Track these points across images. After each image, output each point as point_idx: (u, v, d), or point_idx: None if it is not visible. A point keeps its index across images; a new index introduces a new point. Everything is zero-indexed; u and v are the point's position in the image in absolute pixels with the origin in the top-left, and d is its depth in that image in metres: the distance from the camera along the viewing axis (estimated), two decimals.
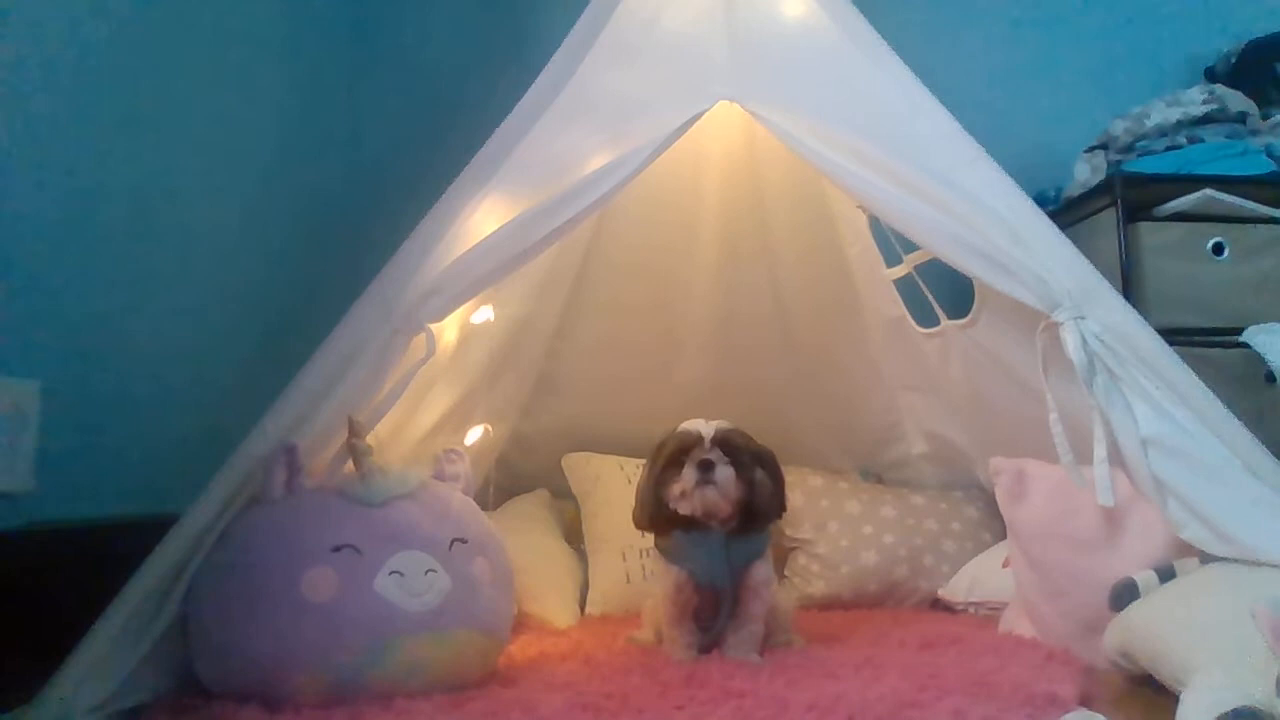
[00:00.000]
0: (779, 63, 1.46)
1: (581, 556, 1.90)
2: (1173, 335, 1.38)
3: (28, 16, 1.20)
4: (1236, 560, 1.16)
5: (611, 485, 1.93)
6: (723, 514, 1.32)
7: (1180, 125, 1.92)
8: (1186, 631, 1.06)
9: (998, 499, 1.52)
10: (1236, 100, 1.93)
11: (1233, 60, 2.21)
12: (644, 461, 1.42)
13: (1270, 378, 1.71)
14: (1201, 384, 1.24)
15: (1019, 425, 1.54)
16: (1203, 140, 1.91)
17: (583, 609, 1.78)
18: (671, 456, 1.33)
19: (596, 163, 1.37)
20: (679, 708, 1.06)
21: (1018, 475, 1.47)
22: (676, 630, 1.36)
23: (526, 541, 1.73)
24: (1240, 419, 1.23)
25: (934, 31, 2.40)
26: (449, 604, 1.12)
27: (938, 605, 1.84)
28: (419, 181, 1.46)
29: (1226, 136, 1.91)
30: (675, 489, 1.31)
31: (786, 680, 1.16)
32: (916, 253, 1.80)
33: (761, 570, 1.38)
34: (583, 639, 1.52)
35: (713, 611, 1.39)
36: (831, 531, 1.91)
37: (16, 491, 1.15)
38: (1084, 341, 1.25)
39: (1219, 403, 1.23)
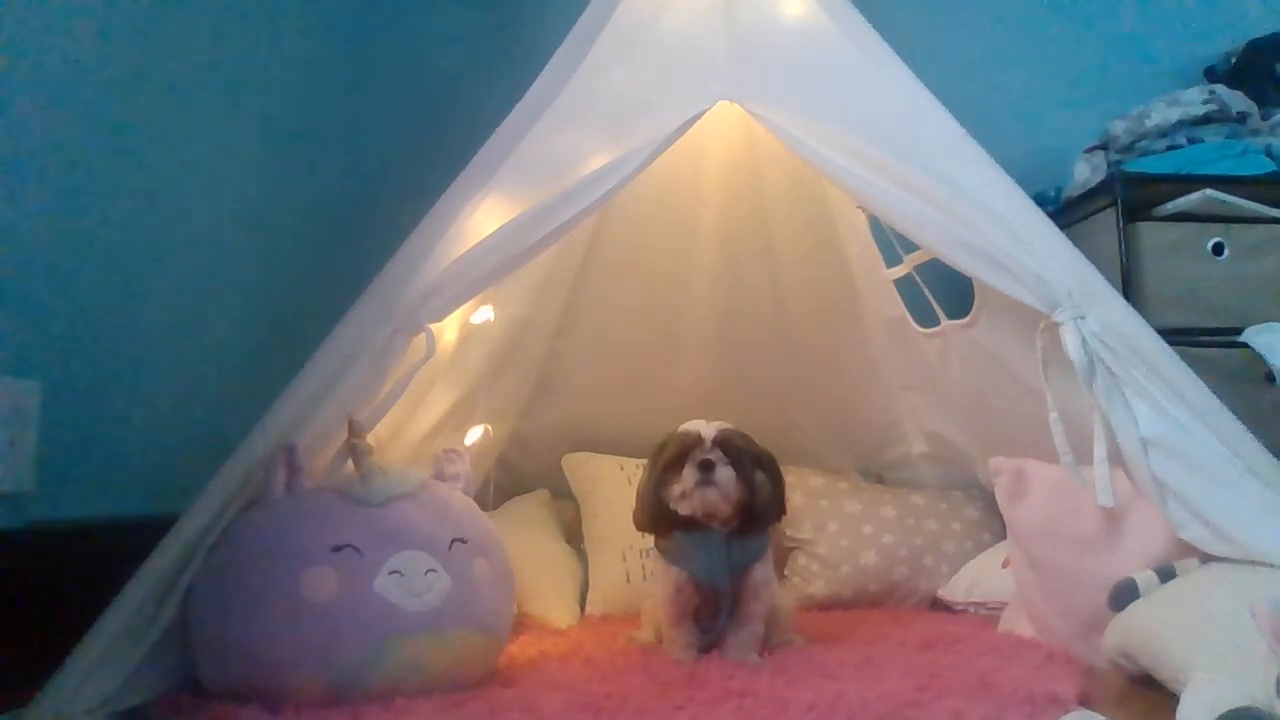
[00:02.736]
0: (779, 63, 1.46)
1: (581, 556, 1.90)
2: (1173, 335, 1.38)
3: (25, 18, 1.20)
4: (1236, 560, 1.16)
5: (611, 485, 1.93)
6: (723, 515, 1.32)
7: (1180, 125, 1.92)
8: (1186, 631, 1.06)
9: (998, 499, 1.52)
10: (1237, 100, 1.93)
11: (1233, 60, 2.21)
12: (644, 462, 1.42)
13: (1270, 378, 1.71)
14: (1201, 384, 1.24)
15: (1019, 425, 1.54)
16: (1203, 140, 1.91)
17: (583, 609, 1.78)
18: (672, 457, 1.33)
19: (596, 163, 1.37)
20: (679, 708, 1.06)
21: (1018, 475, 1.47)
22: (676, 631, 1.36)
23: (526, 541, 1.73)
24: (1240, 419, 1.23)
25: (934, 31, 2.40)
26: (449, 604, 1.12)
27: (938, 605, 1.83)
28: (419, 181, 1.46)
29: (1226, 136, 1.91)
30: (676, 489, 1.31)
31: (786, 680, 1.16)
32: (916, 253, 1.80)
33: (761, 571, 1.38)
34: (583, 639, 1.52)
35: (713, 612, 1.39)
36: (831, 531, 1.91)
37: (16, 491, 1.15)
38: (1084, 341, 1.25)
39: (1219, 403, 1.23)
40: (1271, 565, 1.11)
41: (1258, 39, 2.18)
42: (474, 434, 1.83)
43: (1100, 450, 1.27)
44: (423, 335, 1.30)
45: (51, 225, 1.25)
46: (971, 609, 1.73)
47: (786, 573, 1.91)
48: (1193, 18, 2.48)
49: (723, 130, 1.83)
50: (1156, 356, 1.26)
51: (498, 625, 1.24)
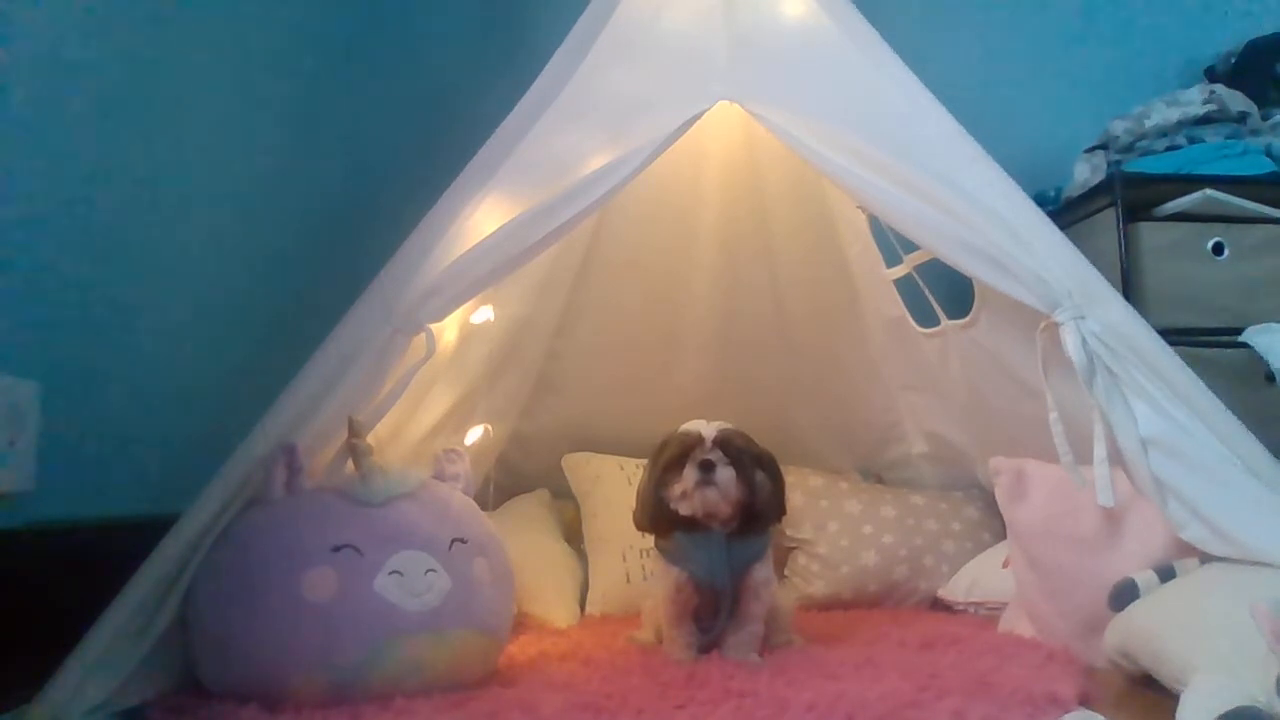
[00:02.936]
0: (779, 63, 1.46)
1: (581, 556, 1.90)
2: (1173, 335, 1.38)
3: (28, 22, 1.20)
4: (1236, 560, 1.16)
5: (611, 485, 1.93)
6: (723, 515, 1.32)
7: (1180, 125, 1.92)
8: (1186, 631, 1.06)
9: (998, 499, 1.52)
10: (1236, 100, 1.93)
11: (1233, 60, 2.21)
12: (644, 462, 1.42)
13: (1270, 378, 1.71)
14: (1201, 384, 1.24)
15: (1019, 425, 1.54)
16: (1203, 140, 1.91)
17: (583, 609, 1.78)
18: (672, 457, 1.33)
19: (596, 163, 1.37)
20: (679, 708, 1.06)
21: (1018, 475, 1.47)
22: (676, 631, 1.36)
23: (526, 541, 1.73)
24: (1240, 419, 1.23)
25: (933, 31, 2.40)
26: (449, 604, 1.12)
27: (938, 605, 1.84)
28: (419, 182, 1.46)
29: (1226, 136, 1.91)
30: (676, 489, 1.31)
31: (786, 680, 1.16)
32: (916, 253, 1.80)
33: (761, 571, 1.38)
34: (583, 639, 1.52)
35: (713, 612, 1.39)
36: (831, 531, 1.91)
37: (16, 491, 1.15)
38: (1084, 341, 1.25)
39: (1219, 403, 1.23)
40: (1271, 565, 1.11)
41: (1258, 39, 2.18)
42: (474, 434, 1.83)
43: (1100, 450, 1.27)
44: (423, 335, 1.30)
45: (51, 226, 1.25)
46: (971, 609, 1.73)
47: (786, 573, 1.91)
48: (1193, 18, 2.48)
49: (723, 130, 1.83)
50: (1156, 356, 1.26)
51: (498, 625, 1.24)
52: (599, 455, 2.01)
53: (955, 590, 1.79)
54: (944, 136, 1.40)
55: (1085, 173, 2.01)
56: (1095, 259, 1.36)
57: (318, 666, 1.05)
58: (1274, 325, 1.71)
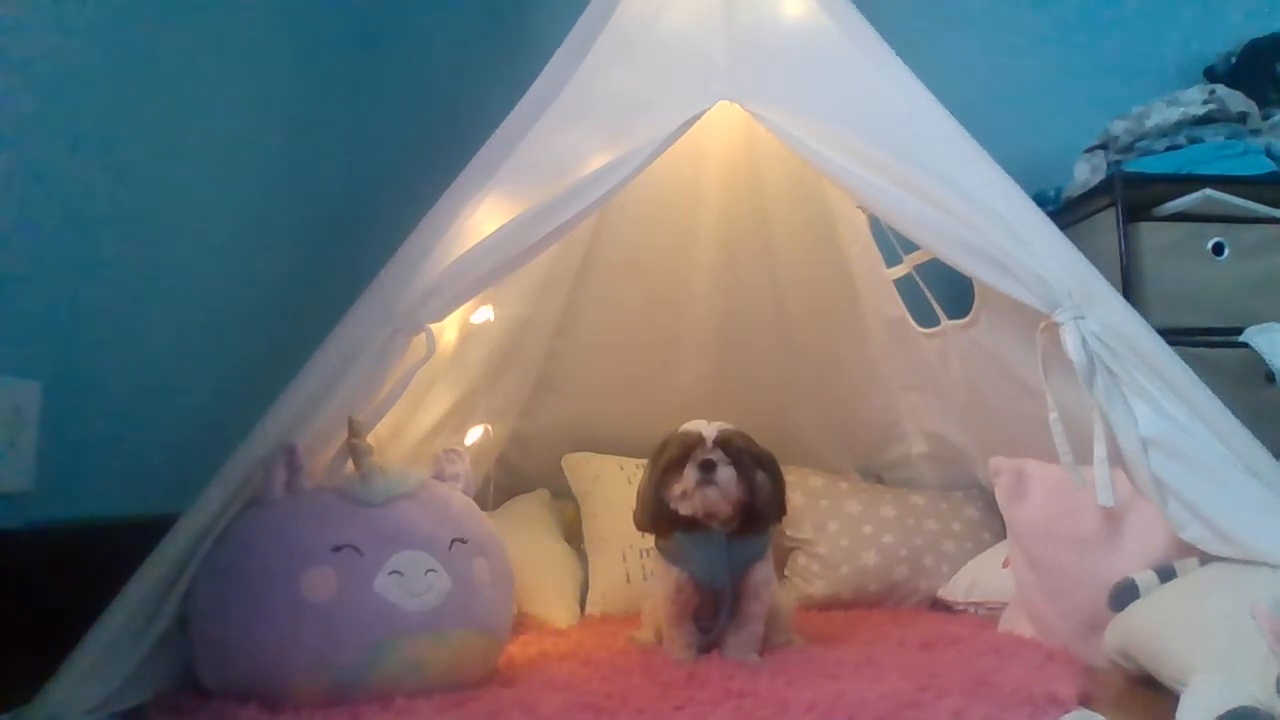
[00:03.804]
0: (779, 63, 1.46)
1: (581, 556, 1.90)
2: (1173, 335, 1.38)
3: (30, 20, 1.20)
4: (1236, 560, 1.16)
5: (611, 485, 1.93)
6: (723, 514, 1.32)
7: (1180, 125, 1.92)
8: (1186, 631, 1.06)
9: (998, 499, 1.52)
10: (1236, 100, 1.93)
11: (1233, 60, 2.21)
12: (644, 462, 1.42)
13: (1270, 378, 1.71)
14: (1201, 384, 1.24)
15: (1019, 425, 1.54)
16: (1203, 140, 1.91)
17: (583, 609, 1.78)
18: (673, 457, 1.33)
19: (596, 163, 1.37)
20: (679, 708, 1.06)
21: (1018, 475, 1.47)
22: (677, 631, 1.36)
23: (526, 541, 1.73)
24: (1240, 419, 1.23)
25: (934, 31, 2.40)
26: (449, 604, 1.12)
27: (938, 605, 1.84)
28: (419, 181, 1.46)
29: (1226, 136, 1.91)
30: (676, 489, 1.31)
31: (786, 680, 1.16)
32: (916, 253, 1.80)
33: (761, 571, 1.38)
34: (583, 639, 1.52)
35: (713, 612, 1.39)
36: (831, 531, 1.91)
37: (16, 491, 1.15)
38: (1084, 341, 1.26)
39: (1219, 403, 1.23)
40: (1271, 565, 1.11)
41: (1258, 39, 2.18)
42: (474, 434, 1.83)
43: (1100, 450, 1.27)
44: (423, 335, 1.30)
45: (51, 226, 1.24)
46: (971, 609, 1.73)
47: (786, 573, 1.91)
48: (1193, 18, 2.48)
49: (723, 130, 1.83)
50: (1156, 356, 1.26)
51: (498, 625, 1.24)
52: (599, 455, 2.01)
53: (955, 590, 1.79)
54: (944, 136, 1.40)
55: (1085, 173, 2.01)
56: (1095, 259, 1.36)
57: (318, 666, 1.05)
58: (1274, 325, 1.71)
